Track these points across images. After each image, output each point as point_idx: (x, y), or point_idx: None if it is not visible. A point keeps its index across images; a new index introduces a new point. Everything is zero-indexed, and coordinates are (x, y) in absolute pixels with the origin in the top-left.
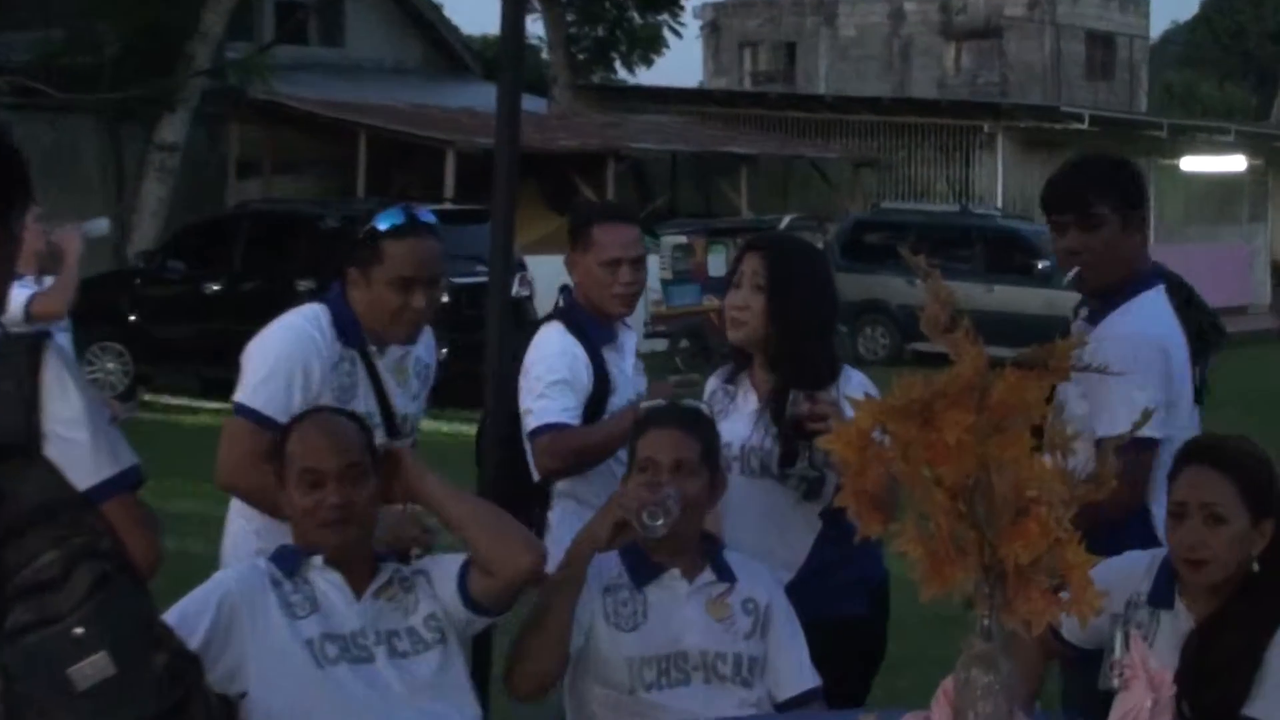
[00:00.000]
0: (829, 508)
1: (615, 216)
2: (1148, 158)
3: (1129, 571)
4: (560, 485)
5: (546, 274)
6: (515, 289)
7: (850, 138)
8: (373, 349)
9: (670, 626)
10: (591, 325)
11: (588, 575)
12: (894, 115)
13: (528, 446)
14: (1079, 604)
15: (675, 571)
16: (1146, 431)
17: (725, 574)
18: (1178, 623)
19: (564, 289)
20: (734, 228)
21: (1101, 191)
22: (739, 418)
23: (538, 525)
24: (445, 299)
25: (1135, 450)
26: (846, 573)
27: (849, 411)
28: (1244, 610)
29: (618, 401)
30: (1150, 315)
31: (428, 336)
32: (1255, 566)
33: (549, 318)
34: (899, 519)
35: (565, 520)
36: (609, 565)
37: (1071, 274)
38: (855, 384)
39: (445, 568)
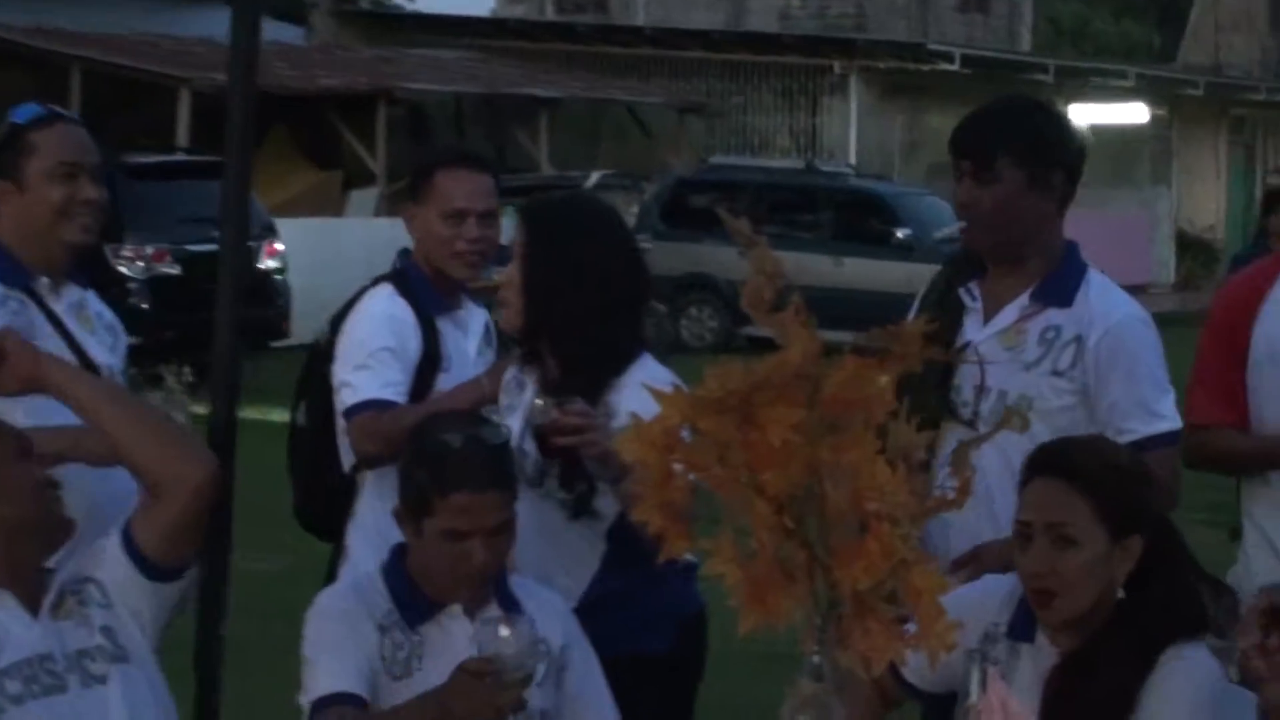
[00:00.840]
0: (616, 526)
1: (463, 162)
2: None
3: (986, 599)
4: (370, 475)
5: (304, 240)
6: (264, 258)
7: (674, 79)
8: (43, 283)
9: (448, 671)
10: (426, 291)
11: (362, 612)
12: (727, 52)
13: (341, 425)
14: (928, 638)
15: (455, 609)
16: (1179, 423)
17: (512, 608)
18: (1040, 658)
19: (402, 252)
20: (530, 186)
21: (1007, 140)
22: (518, 414)
23: (341, 519)
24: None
25: (1175, 446)
26: (644, 603)
27: (624, 418)
28: (1114, 643)
29: (448, 382)
30: (1120, 291)
31: (98, 304)
32: (1120, 593)
33: (379, 280)
34: (713, 534)
35: (375, 515)
36: (378, 601)
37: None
38: (644, 377)
39: (105, 546)
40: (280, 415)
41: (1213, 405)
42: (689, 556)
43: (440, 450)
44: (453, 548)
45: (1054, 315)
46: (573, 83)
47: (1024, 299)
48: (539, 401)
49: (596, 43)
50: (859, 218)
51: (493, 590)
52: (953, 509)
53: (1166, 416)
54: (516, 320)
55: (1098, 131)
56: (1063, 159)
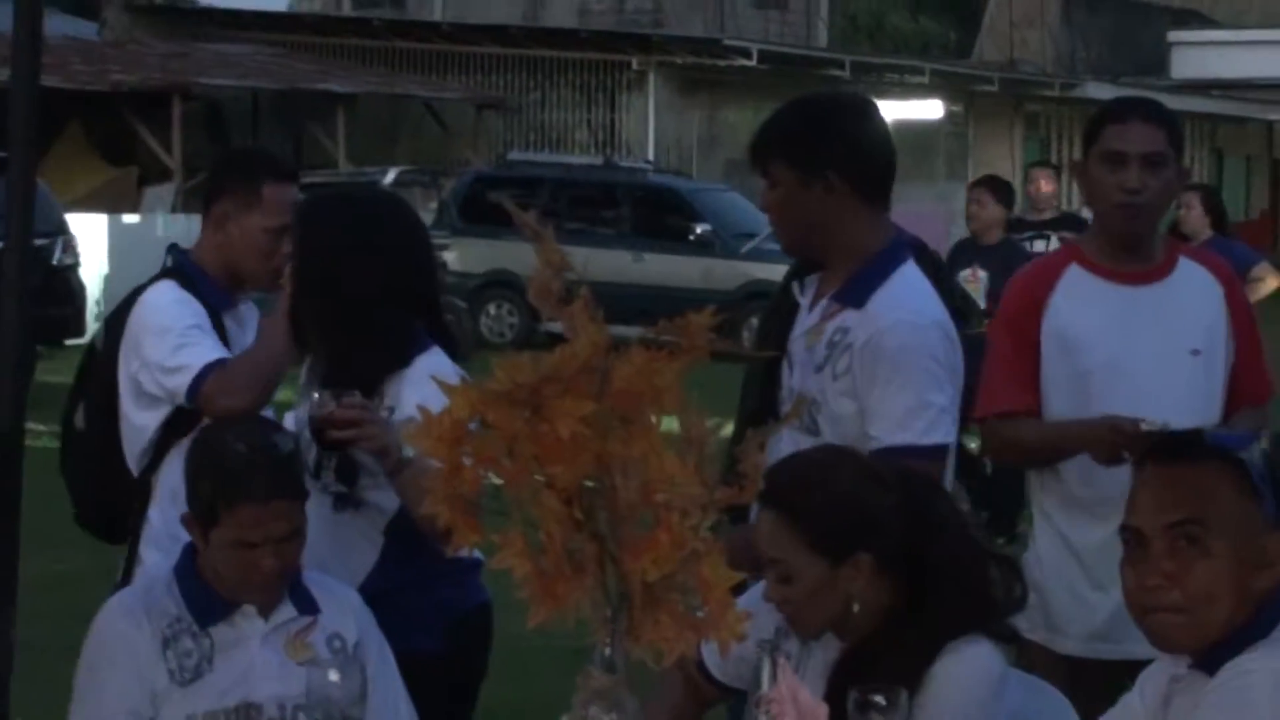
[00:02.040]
0: (396, 521)
1: (288, 174)
2: None
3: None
4: (166, 477)
5: (99, 237)
6: (57, 255)
7: (472, 74)
8: None
9: (240, 673)
10: (208, 286)
11: (144, 633)
12: (524, 48)
13: (137, 424)
14: (718, 628)
15: (249, 609)
16: (938, 438)
17: (307, 605)
18: (829, 653)
19: (173, 248)
20: (327, 183)
21: (775, 144)
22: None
23: (126, 523)
24: None
25: (926, 460)
26: (420, 601)
27: (409, 410)
28: (889, 644)
29: None
30: (925, 296)
31: None
32: (855, 607)
33: (155, 278)
34: (503, 528)
35: (167, 521)
36: (166, 606)
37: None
38: (430, 370)
39: None
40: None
41: (1006, 395)
42: (476, 552)
43: (227, 460)
44: (241, 556)
45: (848, 317)
46: (370, 78)
47: (828, 299)
48: (317, 394)
49: (393, 38)
50: (657, 213)
51: (286, 590)
52: (743, 501)
53: (912, 429)
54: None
55: (894, 128)
56: (833, 158)
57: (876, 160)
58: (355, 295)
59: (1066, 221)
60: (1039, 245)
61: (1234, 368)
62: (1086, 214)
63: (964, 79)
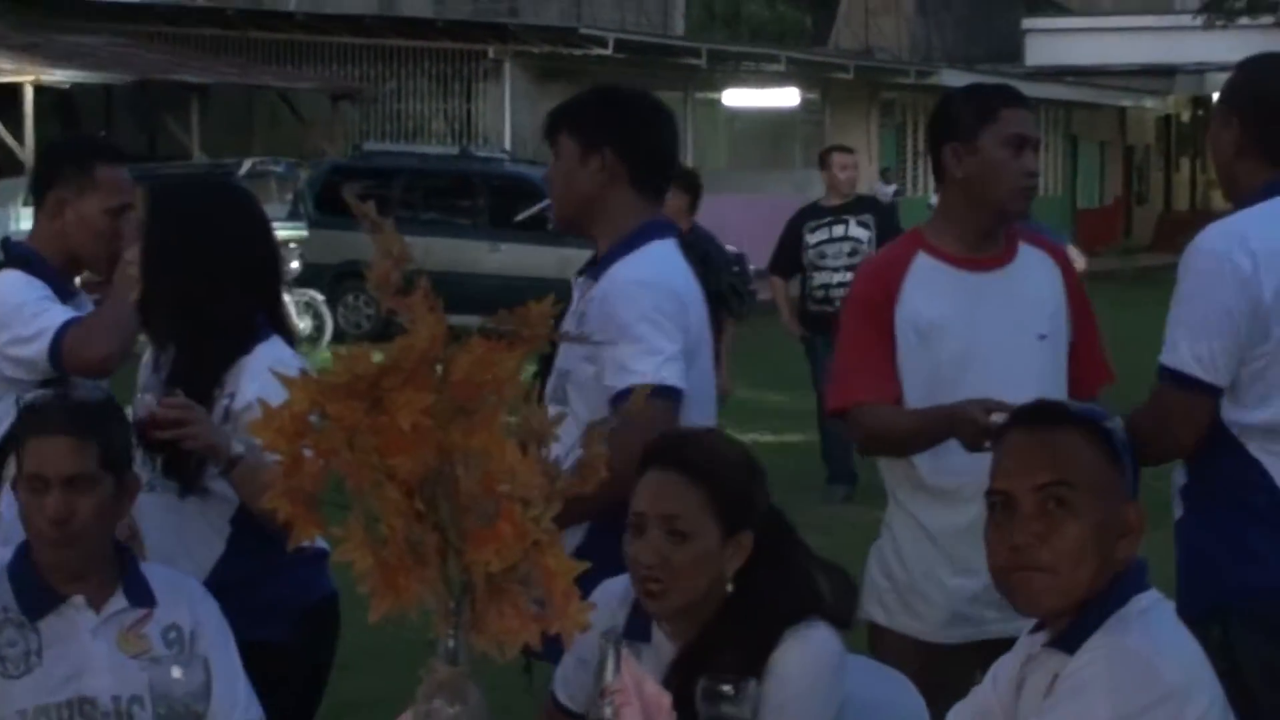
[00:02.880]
0: (241, 511)
1: (118, 156)
2: (684, 91)
3: (601, 601)
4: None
5: None
6: None
7: (327, 64)
8: None
9: (71, 667)
10: (51, 275)
11: None
12: (379, 38)
13: (54, 367)
14: (561, 620)
15: (79, 600)
16: (669, 379)
17: (142, 597)
18: (660, 655)
19: (5, 242)
20: (183, 175)
21: (561, 114)
22: (148, 391)
23: None
24: None
25: (657, 398)
26: (267, 591)
27: (249, 399)
28: (727, 634)
29: None
30: (661, 263)
31: None
32: (730, 588)
33: None
34: (344, 521)
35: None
36: None
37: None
38: (270, 361)
39: None
40: None
41: (866, 385)
42: (320, 543)
43: (30, 404)
44: (30, 502)
45: (595, 289)
46: (224, 69)
47: (585, 278)
48: (142, 396)
49: (248, 28)
50: (514, 203)
51: (119, 579)
52: (586, 490)
53: (636, 373)
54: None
55: (751, 116)
56: (612, 135)
57: (654, 149)
58: (202, 279)
59: (864, 205)
60: (837, 230)
61: (1073, 351)
62: (884, 196)
63: (820, 67)
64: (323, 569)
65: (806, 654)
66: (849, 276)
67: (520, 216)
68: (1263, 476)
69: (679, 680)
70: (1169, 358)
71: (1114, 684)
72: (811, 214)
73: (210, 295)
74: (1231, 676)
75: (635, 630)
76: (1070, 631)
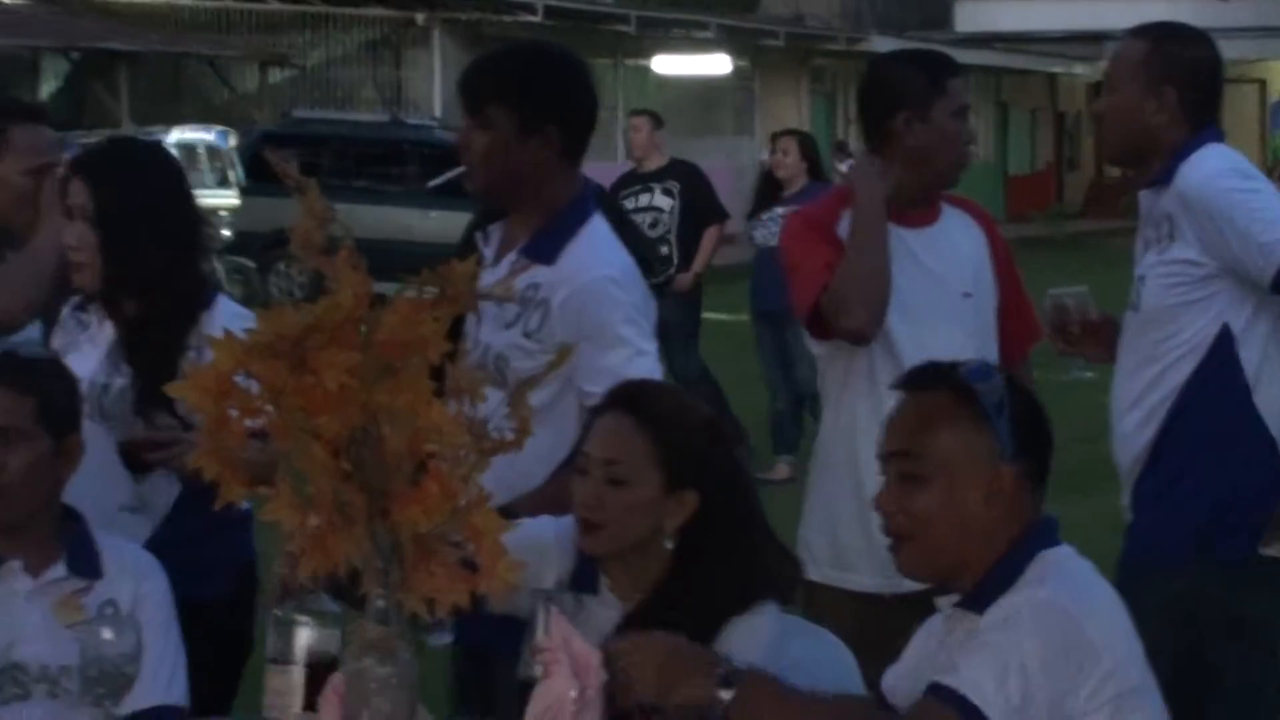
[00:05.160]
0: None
1: (35, 116)
2: (613, 57)
3: (539, 543)
4: None
5: None
6: None
7: (255, 32)
8: None
9: (4, 633)
10: None
11: None
12: (308, 4)
13: None
14: (490, 578)
15: (16, 565)
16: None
17: (85, 567)
18: (606, 611)
19: None
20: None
21: (498, 87)
22: (90, 350)
23: None
24: None
25: None
26: (206, 547)
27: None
28: (672, 607)
29: None
30: (618, 252)
31: None
32: (668, 544)
33: None
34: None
35: None
36: None
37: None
38: (227, 317)
39: None
40: None
41: (819, 271)
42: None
43: None
44: None
45: (539, 273)
46: (153, 36)
47: (517, 253)
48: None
49: None
50: (445, 170)
51: (61, 547)
52: (513, 450)
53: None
54: (97, 280)
55: (681, 83)
56: (555, 113)
57: (588, 118)
58: (165, 244)
59: (676, 170)
60: (644, 199)
61: (1002, 309)
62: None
63: (750, 34)
64: (249, 530)
65: (754, 636)
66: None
67: (434, 183)
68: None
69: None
70: None
71: (1035, 627)
72: (621, 183)
73: (173, 260)
74: (1184, 628)
75: (583, 579)
76: (976, 593)
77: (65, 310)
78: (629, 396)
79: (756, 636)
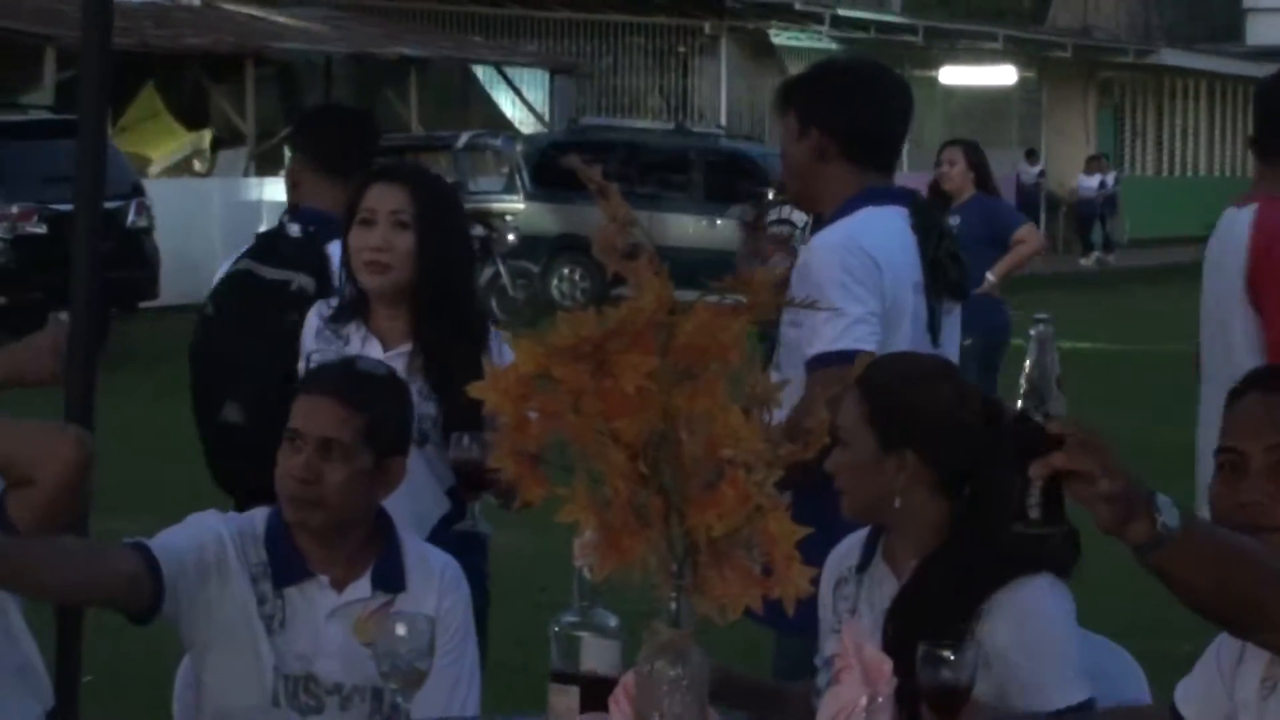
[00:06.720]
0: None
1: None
2: (901, 68)
3: (845, 549)
4: None
5: (173, 200)
6: (131, 218)
7: (544, 39)
8: None
9: (306, 645)
10: None
11: (228, 548)
12: (596, 13)
13: None
14: (784, 585)
15: (324, 579)
16: (848, 343)
17: (389, 582)
18: (885, 587)
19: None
20: (402, 146)
21: (788, 90)
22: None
23: None
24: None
25: (838, 365)
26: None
27: None
28: (942, 572)
29: None
30: (859, 225)
31: None
32: (897, 502)
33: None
34: (568, 483)
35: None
36: (253, 550)
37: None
38: (498, 346)
39: None
40: (145, 378)
41: None
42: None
43: (317, 363)
44: (286, 454)
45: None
46: (442, 43)
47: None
48: (458, 437)
49: (466, 3)
50: (730, 179)
51: (369, 561)
52: (808, 457)
53: (825, 337)
54: (404, 281)
55: (967, 94)
56: (819, 114)
57: (861, 125)
58: (471, 268)
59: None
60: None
61: None
62: (1028, 177)
63: (1037, 45)
64: (486, 553)
65: (1032, 604)
66: None
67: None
68: None
69: (898, 621)
70: None
71: None
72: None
73: (471, 280)
74: None
75: (864, 560)
76: None
77: (315, 316)
78: (865, 371)
79: (1033, 597)
